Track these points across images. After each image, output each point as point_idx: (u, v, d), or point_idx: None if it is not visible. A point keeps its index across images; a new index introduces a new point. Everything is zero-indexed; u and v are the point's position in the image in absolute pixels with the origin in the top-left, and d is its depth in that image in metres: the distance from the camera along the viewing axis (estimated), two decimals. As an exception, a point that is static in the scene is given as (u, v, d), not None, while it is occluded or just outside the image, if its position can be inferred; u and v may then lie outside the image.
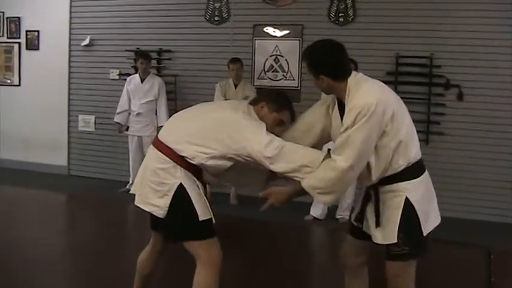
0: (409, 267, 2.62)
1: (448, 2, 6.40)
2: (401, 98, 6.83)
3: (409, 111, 6.90)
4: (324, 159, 2.58)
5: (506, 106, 6.25)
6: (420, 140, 6.75)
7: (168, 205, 2.75)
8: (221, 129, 2.70)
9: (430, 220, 2.63)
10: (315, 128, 2.84)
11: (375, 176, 2.57)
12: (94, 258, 4.65)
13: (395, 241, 2.54)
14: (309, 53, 2.68)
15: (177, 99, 7.45)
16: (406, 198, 2.54)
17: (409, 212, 2.54)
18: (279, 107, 2.86)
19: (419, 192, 2.60)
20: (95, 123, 8.07)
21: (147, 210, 2.84)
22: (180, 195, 2.73)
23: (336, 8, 6.81)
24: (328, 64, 2.59)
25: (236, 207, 6.61)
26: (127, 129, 7.06)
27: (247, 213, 5.89)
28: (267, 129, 2.73)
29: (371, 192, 2.70)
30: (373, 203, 2.67)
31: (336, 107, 2.72)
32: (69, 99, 8.22)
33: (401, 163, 2.56)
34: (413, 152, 2.62)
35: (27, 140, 8.46)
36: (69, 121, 8.25)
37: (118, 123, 7.04)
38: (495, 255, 4.97)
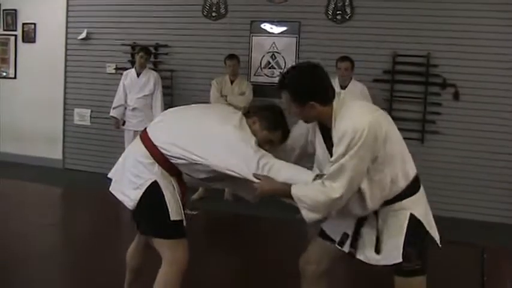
0: (423, 282, 2.51)
1: (445, 2, 6.41)
2: (398, 96, 6.92)
3: (405, 110, 6.93)
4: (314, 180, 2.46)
5: (503, 106, 6.27)
6: (415, 139, 6.85)
7: (138, 198, 2.75)
8: (208, 140, 2.64)
9: (433, 230, 2.55)
10: (296, 148, 2.79)
11: (372, 205, 2.44)
12: (88, 252, 4.64)
13: (400, 260, 2.42)
14: (290, 80, 2.45)
15: (173, 95, 7.45)
16: (411, 214, 2.45)
17: (416, 227, 2.45)
18: (270, 126, 2.75)
19: (422, 205, 2.52)
20: (91, 117, 8.05)
21: (119, 198, 2.87)
22: (153, 192, 2.73)
23: (333, 6, 6.81)
24: (317, 88, 2.42)
25: (231, 203, 6.62)
26: (123, 123, 7.04)
27: (242, 209, 5.89)
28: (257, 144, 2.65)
29: (369, 213, 2.54)
30: (372, 225, 2.54)
31: (319, 132, 2.58)
32: (65, 93, 8.20)
33: (402, 185, 2.46)
34: (411, 168, 2.52)
35: (23, 132, 8.43)
36: (64, 114, 8.24)
37: (114, 117, 7.01)
38: (488, 254, 4.99)
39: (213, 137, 2.64)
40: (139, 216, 2.88)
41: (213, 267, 4.37)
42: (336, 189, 2.31)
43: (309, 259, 2.85)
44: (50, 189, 7.18)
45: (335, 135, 2.36)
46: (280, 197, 2.52)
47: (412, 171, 2.51)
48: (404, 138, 6.96)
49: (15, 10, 8.36)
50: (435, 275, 4.39)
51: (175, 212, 2.76)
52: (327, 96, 2.43)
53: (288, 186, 2.44)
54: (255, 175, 2.51)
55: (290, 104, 2.47)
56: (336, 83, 6.12)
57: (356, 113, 2.35)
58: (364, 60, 6.46)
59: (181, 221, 2.81)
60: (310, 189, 2.40)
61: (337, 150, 2.33)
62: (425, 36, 6.44)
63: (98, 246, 4.82)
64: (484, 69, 6.29)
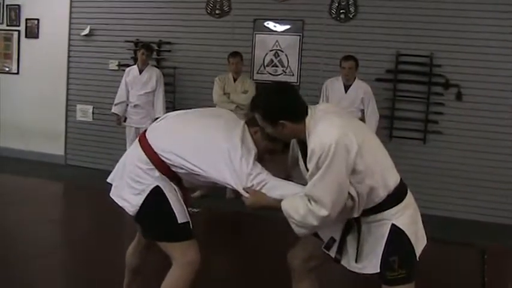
0: None
1: (449, 2, 6.39)
2: (401, 96, 6.90)
3: (407, 109, 6.90)
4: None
5: (505, 107, 6.25)
6: (418, 139, 6.84)
7: (140, 204, 2.74)
8: (210, 154, 2.62)
9: (418, 242, 2.53)
10: (287, 162, 2.83)
11: (357, 212, 2.45)
12: (89, 248, 4.65)
13: (378, 270, 2.46)
14: (260, 101, 2.53)
15: (175, 92, 7.45)
16: (393, 224, 2.44)
17: (398, 237, 2.44)
18: (271, 136, 2.67)
19: (406, 214, 2.48)
20: (93, 113, 8.06)
21: (119, 204, 2.84)
22: (156, 197, 2.72)
23: (337, 4, 6.80)
24: (285, 107, 2.45)
25: (232, 201, 6.61)
26: (125, 120, 7.04)
27: (244, 207, 5.89)
28: (258, 154, 2.67)
29: (353, 223, 2.57)
30: (356, 234, 2.56)
31: (298, 148, 2.63)
32: (67, 89, 8.20)
33: (382, 195, 2.43)
34: (392, 179, 2.48)
35: (25, 128, 8.43)
36: (67, 110, 8.24)
37: (116, 114, 7.02)
38: (489, 255, 4.98)
39: (215, 150, 2.62)
40: (144, 222, 2.86)
41: (215, 265, 4.37)
42: (321, 207, 2.31)
43: (296, 254, 2.88)
44: (51, 185, 7.18)
45: (308, 153, 2.37)
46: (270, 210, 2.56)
47: (393, 181, 2.48)
48: (407, 138, 6.95)
49: (18, 5, 8.36)
50: (436, 275, 4.40)
51: (181, 214, 2.76)
52: (297, 114, 2.46)
53: (278, 202, 2.50)
54: (245, 189, 2.57)
55: (264, 124, 2.53)
56: (339, 83, 6.12)
57: (323, 129, 2.35)
58: (367, 59, 6.45)
59: (188, 222, 2.80)
60: (299, 206, 2.40)
61: (309, 167, 2.36)
62: (429, 36, 6.43)
63: (99, 242, 4.83)
64: (487, 70, 6.27)
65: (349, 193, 2.36)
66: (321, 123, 2.39)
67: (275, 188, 2.56)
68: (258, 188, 2.56)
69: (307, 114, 2.46)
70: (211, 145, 2.64)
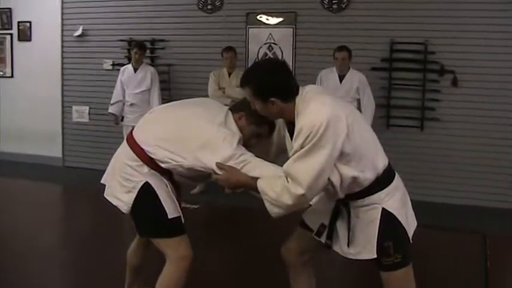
0: (409, 273, 2.50)
1: (442, -12, 6.38)
2: (396, 84, 6.88)
3: (403, 97, 6.87)
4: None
5: (502, 91, 6.24)
6: (415, 127, 6.82)
7: (132, 201, 2.75)
8: (192, 141, 2.61)
9: (409, 224, 2.51)
10: (273, 144, 2.82)
11: (342, 194, 2.44)
12: (88, 250, 4.63)
13: (375, 256, 2.43)
14: (252, 76, 2.47)
15: (171, 89, 7.44)
16: (383, 209, 2.42)
17: (390, 221, 2.42)
18: (258, 120, 2.71)
19: (396, 197, 2.47)
20: (89, 114, 8.04)
21: (114, 203, 2.85)
22: (146, 193, 2.72)
23: (329, -5, 6.79)
24: (277, 84, 2.40)
25: (230, 196, 6.60)
26: (122, 119, 7.02)
27: (241, 202, 5.88)
28: (243, 140, 2.68)
29: (342, 208, 2.55)
30: (345, 219, 2.53)
31: (286, 129, 2.59)
32: (62, 90, 8.18)
33: (371, 177, 2.41)
34: (381, 162, 2.45)
35: (21, 131, 8.42)
36: (63, 112, 8.22)
37: (113, 114, 6.99)
38: (491, 240, 4.99)
39: (197, 137, 2.62)
40: (136, 219, 2.87)
41: (214, 261, 4.37)
42: (297, 185, 2.27)
43: (289, 248, 2.87)
44: (49, 187, 7.17)
45: (295, 131, 2.33)
46: (247, 189, 2.54)
47: (381, 164, 2.46)
48: (404, 126, 6.93)
49: (10, 9, 8.34)
50: (439, 261, 4.40)
51: (172, 209, 2.76)
52: (288, 92, 2.41)
53: (254, 180, 2.46)
54: (218, 165, 2.53)
55: (253, 100, 2.48)
56: (334, 73, 6.11)
57: (314, 109, 2.30)
58: (361, 48, 6.44)
59: (180, 217, 2.80)
60: (275, 185, 2.37)
61: (295, 145, 2.31)
62: (423, 23, 6.41)
63: (98, 244, 4.82)
64: (482, 55, 6.25)
65: (329, 179, 2.33)
66: (313, 102, 2.34)
67: (256, 167, 2.54)
68: (239, 167, 2.53)
69: (297, 94, 2.43)
70: (193, 133, 2.64)
